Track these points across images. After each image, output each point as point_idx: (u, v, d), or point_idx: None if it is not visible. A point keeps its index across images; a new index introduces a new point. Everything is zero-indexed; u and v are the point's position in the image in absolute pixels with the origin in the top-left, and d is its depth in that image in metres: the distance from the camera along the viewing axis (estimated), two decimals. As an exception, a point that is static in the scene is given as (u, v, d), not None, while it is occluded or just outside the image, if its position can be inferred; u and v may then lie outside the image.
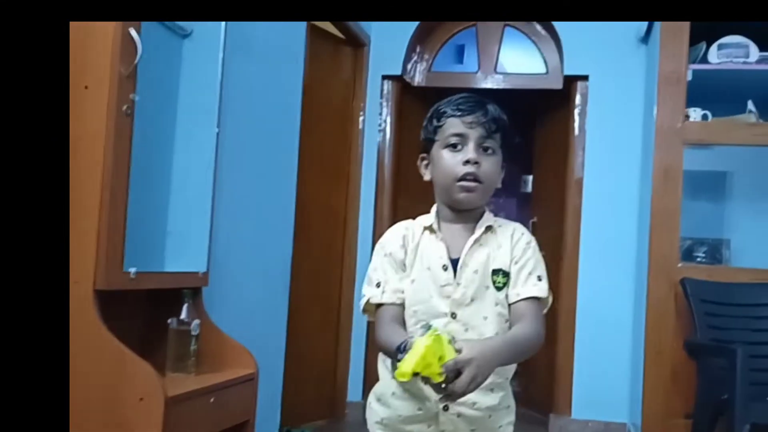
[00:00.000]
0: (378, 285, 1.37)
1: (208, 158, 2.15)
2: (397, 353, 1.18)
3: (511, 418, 1.41)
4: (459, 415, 1.32)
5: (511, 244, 1.36)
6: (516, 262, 1.35)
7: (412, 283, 1.35)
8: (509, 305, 1.34)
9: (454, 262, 1.34)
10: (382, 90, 3.92)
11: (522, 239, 1.38)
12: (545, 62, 3.92)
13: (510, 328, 1.33)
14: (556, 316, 3.71)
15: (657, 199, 3.17)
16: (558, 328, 3.70)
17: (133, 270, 1.80)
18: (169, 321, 1.99)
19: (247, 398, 2.08)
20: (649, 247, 3.17)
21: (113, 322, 1.71)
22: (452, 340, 1.14)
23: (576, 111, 3.79)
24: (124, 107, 1.76)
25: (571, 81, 3.80)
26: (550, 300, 1.36)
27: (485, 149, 1.34)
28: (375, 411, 1.41)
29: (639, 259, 3.45)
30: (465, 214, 1.38)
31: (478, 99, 1.38)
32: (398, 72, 3.88)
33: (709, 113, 3.25)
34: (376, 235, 3.70)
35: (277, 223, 3.00)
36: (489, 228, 1.37)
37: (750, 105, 3.25)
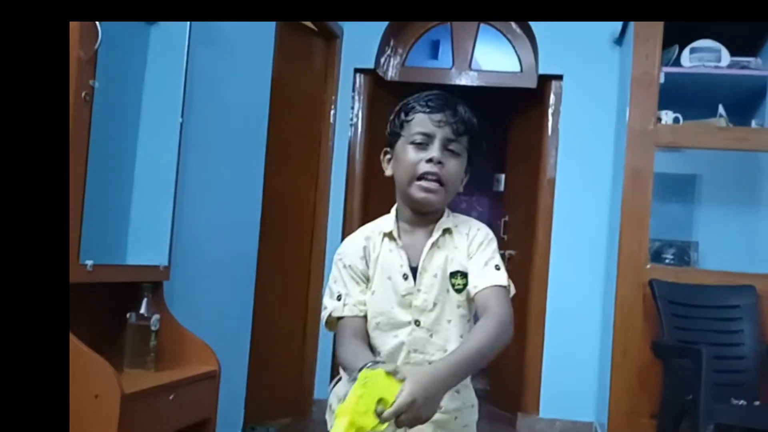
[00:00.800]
0: (339, 298, 1.33)
1: (172, 148, 2.10)
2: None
3: (476, 416, 1.39)
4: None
5: (467, 242, 1.32)
6: (471, 257, 1.30)
7: (372, 295, 1.32)
8: (472, 299, 1.30)
9: (414, 270, 1.31)
10: (354, 83, 3.87)
11: (478, 234, 1.33)
12: (520, 61, 3.91)
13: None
14: (525, 314, 3.71)
15: (627, 200, 3.18)
16: (527, 327, 3.70)
17: (89, 262, 1.74)
18: (127, 315, 1.93)
19: (208, 396, 2.03)
20: (619, 248, 3.18)
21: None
22: (395, 371, 1.06)
23: (549, 110, 3.78)
24: (83, 94, 1.70)
25: (545, 80, 3.79)
26: (513, 290, 1.31)
27: (451, 151, 1.30)
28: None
29: (609, 259, 3.47)
30: (425, 216, 1.34)
31: (449, 98, 1.33)
32: (371, 65, 3.83)
33: (680, 116, 3.27)
34: (346, 232, 3.65)
35: (243, 217, 2.94)
36: (447, 230, 1.34)
37: (720, 109, 3.28)
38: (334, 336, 1.38)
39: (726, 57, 3.25)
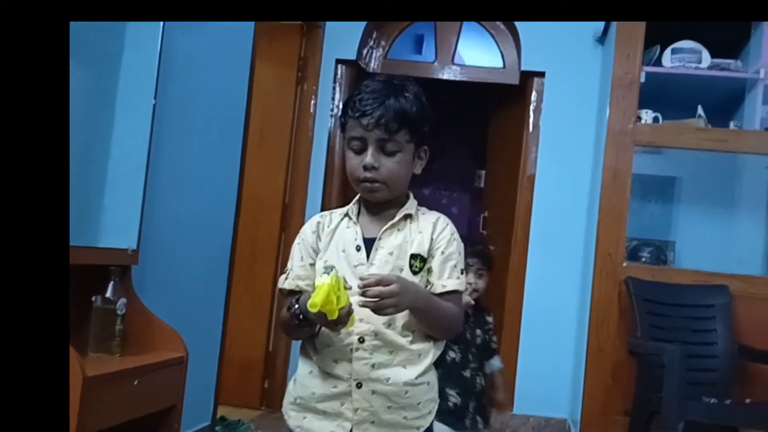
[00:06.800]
0: (285, 272, 1.39)
1: (144, 131, 2.06)
2: (291, 307, 1.27)
3: (433, 395, 1.38)
4: (373, 392, 1.29)
5: (433, 232, 1.36)
6: (442, 252, 1.35)
7: (325, 264, 1.35)
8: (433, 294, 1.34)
9: (369, 243, 1.34)
10: (335, 74, 3.83)
11: (447, 230, 1.37)
12: (503, 57, 3.90)
13: None
14: (502, 309, 3.70)
15: (605, 198, 3.19)
16: (503, 323, 3.69)
17: (55, 243, 1.70)
18: (93, 299, 1.90)
19: (175, 382, 2.00)
20: (596, 246, 3.18)
21: (30, 296, 1.61)
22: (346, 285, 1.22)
23: (531, 107, 3.78)
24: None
25: (527, 77, 3.79)
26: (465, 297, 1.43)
27: (387, 151, 1.30)
28: (290, 392, 1.39)
29: (586, 256, 3.47)
30: (384, 203, 1.37)
31: (379, 94, 1.29)
32: (353, 56, 3.80)
33: (659, 116, 3.28)
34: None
35: (219, 204, 2.90)
36: (408, 216, 1.36)
37: (699, 110, 3.29)
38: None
39: (707, 58, 3.27)
